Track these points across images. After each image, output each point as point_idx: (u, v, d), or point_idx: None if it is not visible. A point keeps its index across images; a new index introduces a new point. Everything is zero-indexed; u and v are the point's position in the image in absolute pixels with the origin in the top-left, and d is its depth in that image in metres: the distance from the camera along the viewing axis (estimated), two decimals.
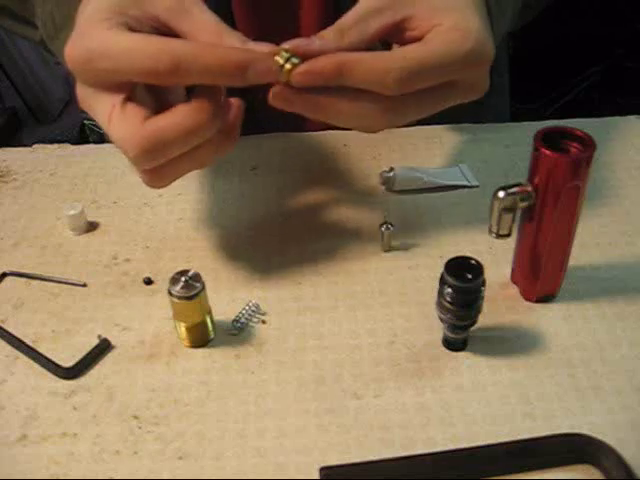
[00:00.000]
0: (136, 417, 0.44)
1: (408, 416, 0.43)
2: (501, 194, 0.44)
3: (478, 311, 0.45)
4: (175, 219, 0.59)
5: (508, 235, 0.45)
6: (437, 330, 0.47)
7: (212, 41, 0.41)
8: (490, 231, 0.45)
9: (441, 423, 0.42)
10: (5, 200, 0.62)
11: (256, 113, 0.44)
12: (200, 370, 0.46)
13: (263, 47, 0.41)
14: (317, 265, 0.54)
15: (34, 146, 0.68)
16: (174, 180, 0.45)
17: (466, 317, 0.44)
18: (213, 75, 0.40)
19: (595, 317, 0.48)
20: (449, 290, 0.43)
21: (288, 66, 0.41)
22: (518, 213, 0.46)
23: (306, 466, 0.40)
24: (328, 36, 0.42)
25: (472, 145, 0.65)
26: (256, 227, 0.57)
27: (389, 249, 0.54)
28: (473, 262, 0.43)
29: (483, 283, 0.43)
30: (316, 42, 0.41)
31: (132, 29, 0.41)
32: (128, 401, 0.45)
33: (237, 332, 0.49)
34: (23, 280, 0.54)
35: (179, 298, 0.45)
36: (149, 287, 0.52)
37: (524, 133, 0.59)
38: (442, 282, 0.44)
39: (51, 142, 0.69)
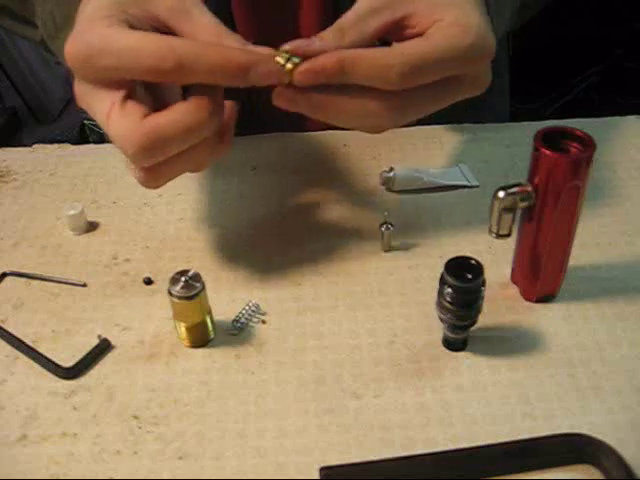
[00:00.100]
0: (136, 417, 0.44)
1: (408, 416, 0.43)
2: (501, 194, 0.44)
3: (478, 311, 0.45)
4: (175, 219, 0.59)
5: (508, 235, 0.45)
6: (437, 330, 0.47)
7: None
8: (490, 231, 0.45)
9: (441, 423, 0.42)
10: (5, 200, 0.62)
11: (260, 113, 0.44)
12: (200, 370, 0.46)
13: (263, 50, 0.41)
14: (317, 265, 0.54)
15: (34, 146, 0.68)
16: (169, 180, 0.45)
17: (466, 317, 0.44)
18: (216, 75, 0.40)
19: (595, 317, 0.48)
20: (449, 290, 0.43)
21: (289, 66, 0.41)
22: (518, 213, 0.46)
23: (306, 466, 0.40)
24: (328, 36, 0.42)
25: (472, 145, 0.65)
26: (256, 227, 0.57)
27: (389, 249, 0.54)
28: (473, 262, 0.43)
29: (483, 283, 0.43)
30: (316, 42, 0.41)
31: (133, 27, 0.41)
32: (128, 401, 0.45)
33: (237, 332, 0.49)
34: (23, 280, 0.54)
35: (179, 298, 0.45)
36: (149, 287, 0.52)
37: (524, 133, 0.59)
38: (442, 282, 0.44)
39: (51, 142, 0.69)
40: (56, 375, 0.46)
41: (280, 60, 0.41)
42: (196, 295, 0.45)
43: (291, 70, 0.41)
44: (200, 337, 0.48)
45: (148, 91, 0.44)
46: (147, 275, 0.53)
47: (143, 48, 0.39)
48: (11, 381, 0.46)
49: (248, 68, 0.39)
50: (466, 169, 0.62)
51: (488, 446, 0.40)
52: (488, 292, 0.45)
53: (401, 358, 0.46)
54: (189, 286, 0.45)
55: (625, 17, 1.65)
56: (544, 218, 0.45)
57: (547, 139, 0.44)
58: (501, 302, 0.50)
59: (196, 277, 0.45)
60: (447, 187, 0.60)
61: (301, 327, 0.49)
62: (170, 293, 0.45)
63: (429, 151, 0.64)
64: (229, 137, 0.45)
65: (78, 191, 0.62)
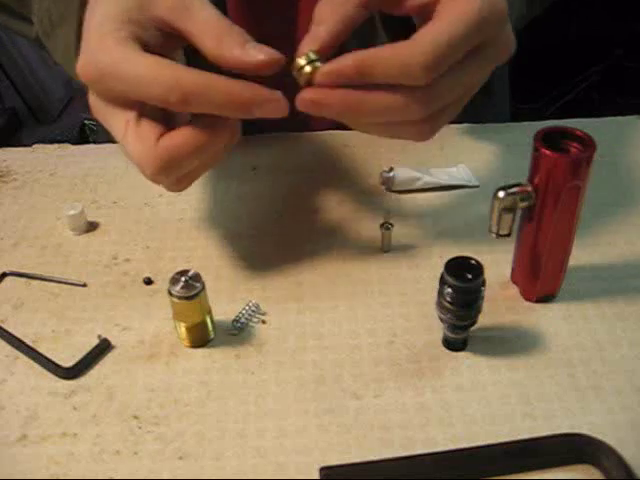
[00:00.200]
0: (136, 417, 0.44)
1: (408, 416, 0.43)
2: (501, 194, 0.44)
3: (478, 311, 0.45)
4: (175, 219, 0.59)
5: (508, 235, 0.45)
6: (437, 330, 0.47)
7: (213, 44, 0.41)
8: (490, 231, 0.45)
9: (441, 423, 0.42)
10: (5, 200, 0.62)
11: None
12: (200, 370, 0.46)
13: (261, 54, 0.41)
14: (317, 265, 0.54)
15: (34, 146, 0.68)
16: (192, 183, 0.46)
17: (466, 317, 0.44)
18: (220, 110, 0.41)
19: (595, 317, 0.48)
20: (449, 290, 0.43)
21: (308, 69, 0.40)
22: (518, 213, 0.46)
23: (306, 466, 0.40)
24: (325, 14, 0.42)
25: (472, 145, 0.65)
26: (256, 227, 0.57)
27: (389, 249, 0.54)
28: (473, 262, 0.43)
29: (483, 283, 0.43)
30: (321, 30, 0.41)
31: (140, 39, 0.42)
32: (128, 401, 0.45)
33: (237, 332, 0.49)
34: (23, 280, 0.54)
35: (179, 298, 0.45)
36: (149, 287, 0.52)
37: (524, 133, 0.59)
38: (442, 282, 0.44)
39: (51, 142, 0.69)
40: (56, 375, 0.46)
41: (301, 61, 0.41)
42: (196, 295, 0.45)
43: (309, 74, 0.40)
44: (200, 337, 0.48)
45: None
46: (147, 275, 0.53)
47: (151, 80, 0.40)
48: (11, 381, 0.46)
49: (252, 105, 0.40)
50: (466, 169, 0.62)
51: (488, 446, 0.40)
52: (488, 292, 0.45)
53: (401, 358, 0.46)
54: (189, 286, 0.45)
55: (625, 17, 1.65)
56: (544, 218, 0.45)
57: (547, 139, 0.44)
58: (501, 302, 0.50)
59: (196, 277, 0.45)
60: (447, 187, 0.60)
61: (301, 327, 0.49)
62: (170, 293, 0.45)
63: (429, 151, 0.64)
64: (236, 127, 0.45)
65: (78, 191, 0.62)
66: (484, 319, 0.46)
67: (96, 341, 0.48)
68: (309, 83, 0.41)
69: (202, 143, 0.42)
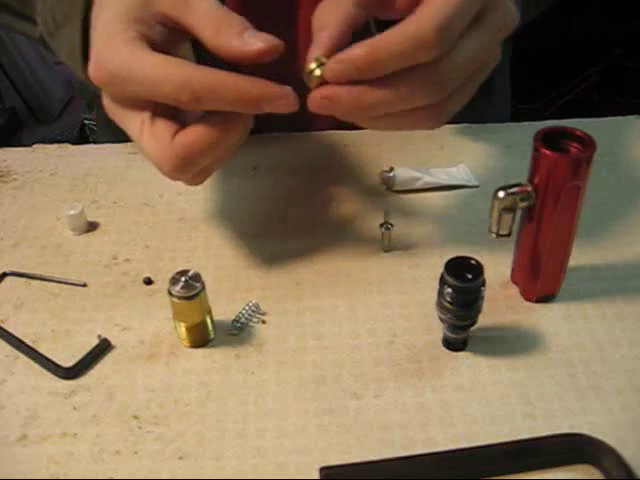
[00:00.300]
0: (136, 417, 0.44)
1: (408, 416, 0.43)
2: (501, 194, 0.44)
3: (478, 311, 0.45)
4: (175, 219, 0.59)
5: (508, 235, 0.45)
6: (437, 330, 0.47)
7: (212, 35, 0.41)
8: (490, 231, 0.45)
9: (441, 423, 0.42)
10: (5, 200, 0.62)
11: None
12: (200, 370, 0.46)
13: (259, 42, 0.41)
14: (317, 265, 0.54)
15: (34, 146, 0.68)
16: (209, 177, 0.47)
17: (466, 317, 0.44)
18: (231, 106, 0.41)
19: (595, 317, 0.48)
20: (449, 290, 0.43)
21: (318, 72, 0.40)
22: (518, 213, 0.46)
23: (306, 466, 0.40)
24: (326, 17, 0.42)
25: (472, 145, 0.65)
26: (256, 227, 0.57)
27: (389, 249, 0.54)
28: (473, 262, 0.43)
29: (483, 283, 0.43)
30: (323, 36, 0.41)
31: (147, 37, 0.42)
32: (128, 401, 0.45)
33: (237, 332, 0.49)
34: (23, 280, 0.54)
35: (179, 298, 0.45)
36: (149, 287, 0.52)
37: (524, 133, 0.59)
38: (442, 282, 0.44)
39: (51, 142, 0.69)
40: (56, 375, 0.46)
41: (310, 66, 0.41)
42: (196, 295, 0.45)
43: (319, 77, 0.40)
44: (200, 337, 0.48)
45: None
46: (147, 275, 0.53)
47: (161, 80, 0.40)
48: (11, 381, 0.46)
49: (261, 101, 0.41)
50: (466, 169, 0.62)
51: (488, 446, 0.40)
52: (488, 292, 0.45)
53: (401, 358, 0.46)
54: (189, 286, 0.45)
55: (625, 17, 1.65)
56: (544, 218, 0.45)
57: (547, 139, 0.44)
58: (501, 302, 0.50)
59: (196, 277, 0.45)
60: (447, 187, 0.60)
61: (301, 327, 0.49)
62: (170, 293, 0.45)
63: (429, 151, 0.64)
64: (249, 122, 0.45)
65: (78, 191, 0.62)
66: (484, 319, 0.46)
67: (96, 341, 0.48)
68: (320, 86, 0.41)
69: (215, 139, 0.42)
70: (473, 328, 0.46)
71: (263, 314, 0.50)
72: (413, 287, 0.51)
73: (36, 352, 0.47)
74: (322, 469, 0.39)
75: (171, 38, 0.44)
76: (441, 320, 0.45)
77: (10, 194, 0.63)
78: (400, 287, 0.51)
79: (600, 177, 0.60)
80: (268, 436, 0.42)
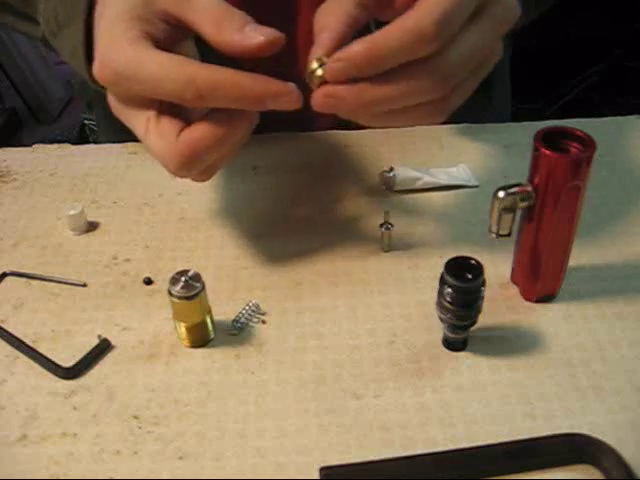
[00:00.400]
0: (136, 417, 0.44)
1: (408, 416, 0.43)
2: (501, 194, 0.44)
3: (478, 311, 0.45)
4: (175, 219, 0.59)
5: (508, 235, 0.45)
6: (437, 330, 0.47)
7: (213, 31, 0.41)
8: (490, 231, 0.45)
9: (441, 423, 0.42)
10: (5, 200, 0.62)
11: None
12: (200, 370, 0.46)
13: (260, 36, 0.41)
14: (317, 265, 0.54)
15: (34, 146, 0.68)
16: (216, 173, 0.47)
17: (466, 317, 0.44)
18: (235, 104, 0.41)
19: (595, 317, 0.48)
20: (449, 290, 0.43)
21: (320, 72, 0.40)
22: (518, 213, 0.46)
23: (306, 466, 0.40)
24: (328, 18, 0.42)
25: (472, 145, 0.65)
26: (256, 227, 0.57)
27: (389, 249, 0.54)
28: (473, 262, 0.43)
29: (483, 283, 0.43)
30: (324, 37, 0.41)
31: (150, 35, 0.42)
32: (128, 401, 0.45)
33: (237, 332, 0.49)
34: (23, 280, 0.54)
35: (179, 298, 0.45)
36: (149, 287, 0.52)
37: (524, 133, 0.59)
38: (442, 282, 0.44)
39: (51, 142, 0.69)
40: (56, 375, 0.46)
41: (312, 65, 0.41)
42: (196, 295, 0.45)
43: (322, 76, 0.40)
44: (200, 337, 0.48)
45: None
46: (147, 275, 0.53)
47: (165, 79, 0.41)
48: (11, 381, 0.46)
49: (264, 98, 0.41)
50: (466, 169, 0.62)
51: (488, 446, 0.40)
52: (488, 292, 0.45)
53: (401, 358, 0.46)
54: (189, 286, 0.45)
55: (625, 17, 1.65)
56: (544, 218, 0.45)
57: (547, 139, 0.44)
58: (501, 302, 0.50)
59: (196, 277, 0.45)
60: (447, 187, 0.60)
61: (301, 327, 0.49)
62: (170, 293, 0.45)
63: (429, 151, 0.64)
64: (254, 118, 0.45)
65: (78, 191, 0.62)
66: (484, 319, 0.46)
67: (96, 341, 0.48)
68: (322, 86, 0.41)
69: (220, 136, 0.42)
70: (473, 328, 0.46)
71: (263, 314, 0.50)
72: (413, 287, 0.51)
73: (36, 352, 0.47)
74: (322, 469, 0.39)
75: (174, 35, 0.44)
76: (441, 320, 0.45)
77: (10, 194, 0.63)
78: (400, 287, 0.51)
79: (600, 177, 0.60)
80: (268, 436, 0.42)
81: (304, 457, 0.41)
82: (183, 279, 0.45)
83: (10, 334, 0.49)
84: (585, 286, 0.51)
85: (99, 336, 0.48)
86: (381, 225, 0.54)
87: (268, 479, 0.40)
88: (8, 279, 0.54)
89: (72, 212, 0.57)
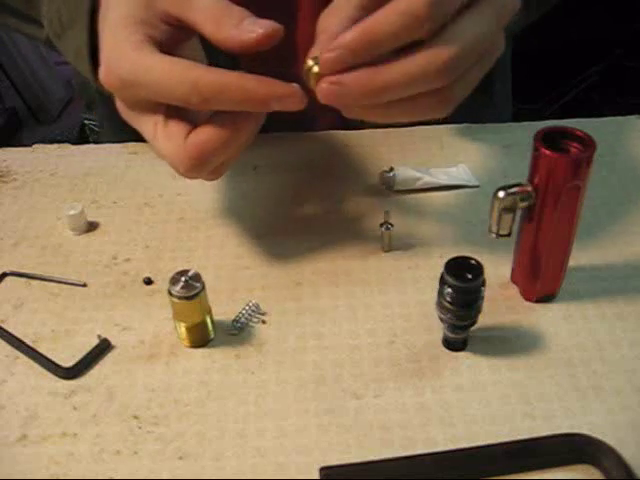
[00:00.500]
0: (136, 417, 0.44)
1: (408, 416, 0.43)
2: (501, 194, 0.44)
3: (478, 311, 0.45)
4: (175, 219, 0.59)
5: (508, 235, 0.45)
6: (437, 330, 0.47)
7: (213, 29, 0.41)
8: (490, 231, 0.45)
9: (441, 423, 0.42)
10: (5, 200, 0.62)
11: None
12: (200, 370, 0.46)
13: (258, 29, 0.40)
14: (317, 265, 0.54)
15: (34, 146, 0.68)
16: (225, 172, 0.48)
17: (466, 317, 0.44)
18: (240, 107, 0.42)
19: (595, 317, 0.48)
20: (449, 290, 0.43)
21: (316, 69, 0.40)
22: (518, 213, 0.46)
23: (306, 466, 0.40)
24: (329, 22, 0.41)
25: (472, 145, 0.65)
26: (256, 227, 0.57)
27: (389, 249, 0.54)
28: (473, 262, 0.43)
29: (483, 283, 0.43)
30: (323, 38, 0.41)
31: (153, 39, 0.42)
32: (128, 401, 0.45)
33: (237, 332, 0.49)
34: (23, 280, 0.54)
35: (179, 298, 0.45)
36: (149, 287, 0.52)
37: (524, 133, 0.60)
38: (442, 282, 0.44)
39: (51, 142, 0.69)
40: (56, 375, 0.46)
41: (309, 62, 0.41)
42: (196, 295, 0.45)
43: (317, 74, 0.40)
44: (200, 337, 0.48)
45: None
46: (147, 275, 0.53)
47: (170, 84, 0.41)
48: (11, 381, 0.46)
49: (269, 101, 0.41)
50: (466, 169, 0.62)
51: (488, 446, 0.40)
52: (488, 292, 0.45)
53: (401, 358, 0.46)
54: (189, 286, 0.45)
55: (625, 17, 1.65)
56: (544, 218, 0.45)
57: (547, 139, 0.44)
58: (501, 302, 0.50)
59: (196, 277, 0.45)
60: (447, 187, 0.60)
61: (301, 327, 0.49)
62: (170, 293, 0.45)
63: (429, 151, 0.64)
64: (260, 118, 0.46)
65: (78, 191, 0.62)
66: (484, 319, 0.46)
67: (96, 341, 0.48)
68: (314, 83, 0.41)
69: (226, 138, 0.43)
70: (473, 328, 0.46)
71: (263, 314, 0.50)
72: (413, 287, 0.51)
73: (36, 352, 0.47)
74: (322, 469, 0.39)
75: (177, 36, 0.44)
76: (441, 320, 0.45)
77: (10, 194, 0.63)
78: (400, 287, 0.51)
79: (600, 177, 0.60)
80: (268, 436, 0.42)
81: (304, 457, 0.41)
82: (183, 279, 0.45)
83: (10, 334, 0.49)
84: (585, 286, 0.51)
85: (99, 336, 0.48)
86: (381, 225, 0.54)
87: (268, 479, 0.40)
88: (8, 279, 0.54)
89: (72, 212, 0.57)
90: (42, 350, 0.48)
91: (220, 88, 0.41)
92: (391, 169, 0.59)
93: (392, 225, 0.53)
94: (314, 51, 0.41)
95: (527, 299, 0.50)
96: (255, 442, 0.42)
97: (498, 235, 0.45)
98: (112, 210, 0.60)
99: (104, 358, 0.47)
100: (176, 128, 0.43)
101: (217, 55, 0.44)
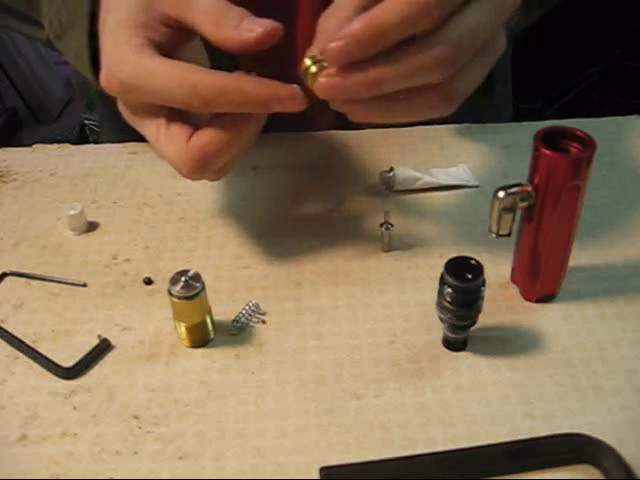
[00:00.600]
0: (136, 417, 0.44)
1: (408, 416, 0.43)
2: (501, 194, 0.44)
3: (478, 311, 0.45)
4: (175, 219, 0.59)
5: (508, 235, 0.45)
6: (437, 330, 0.47)
7: (212, 30, 0.41)
8: (490, 231, 0.45)
9: (441, 423, 0.42)
10: (5, 200, 0.62)
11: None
12: (200, 370, 0.46)
13: (257, 28, 0.40)
14: (317, 265, 0.54)
15: (34, 146, 0.68)
16: (229, 172, 0.48)
17: (466, 317, 0.44)
18: (241, 109, 0.42)
19: (595, 317, 0.48)
20: (449, 290, 0.43)
21: (314, 69, 0.40)
22: (518, 213, 0.46)
23: (306, 466, 0.40)
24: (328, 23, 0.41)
25: (472, 145, 0.65)
26: (256, 227, 0.57)
27: (389, 249, 0.54)
28: (473, 262, 0.43)
29: (483, 283, 0.43)
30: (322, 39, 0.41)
31: (153, 42, 0.43)
32: (128, 401, 0.45)
33: (237, 332, 0.49)
34: (23, 280, 0.54)
35: (179, 298, 0.45)
36: (149, 287, 0.52)
37: (524, 133, 0.59)
38: (442, 282, 0.44)
39: (51, 142, 0.69)
40: (56, 375, 0.46)
41: (307, 62, 0.41)
42: (196, 295, 0.45)
43: (315, 74, 0.40)
44: (200, 337, 0.48)
45: None
46: (147, 275, 0.53)
47: (170, 87, 0.41)
48: (11, 381, 0.46)
49: (269, 102, 0.41)
50: (466, 169, 0.62)
51: (488, 446, 0.40)
52: (488, 292, 0.45)
53: (401, 358, 0.46)
54: (189, 286, 0.45)
55: (625, 17, 1.65)
56: (544, 218, 0.45)
57: (547, 139, 0.44)
58: (501, 302, 0.50)
59: (196, 277, 0.45)
60: (447, 187, 0.60)
61: (301, 327, 0.49)
62: (170, 293, 0.45)
63: (429, 151, 0.64)
64: (261, 119, 0.46)
65: (78, 191, 0.62)
66: (484, 319, 0.46)
67: (96, 341, 0.48)
68: (312, 84, 0.41)
69: (228, 140, 0.43)
70: (473, 328, 0.46)
71: (263, 314, 0.50)
72: (413, 287, 0.51)
73: (36, 352, 0.47)
74: (322, 469, 0.39)
75: (177, 38, 0.44)
76: (441, 320, 0.45)
77: (10, 194, 0.63)
78: (400, 287, 0.51)
79: (600, 177, 0.60)
80: (268, 436, 0.42)
81: (304, 457, 0.41)
82: (183, 279, 0.45)
83: (10, 334, 0.49)
84: (585, 286, 0.51)
85: (99, 336, 0.48)
86: (381, 225, 0.54)
87: (268, 479, 0.40)
88: (8, 279, 0.54)
89: (72, 212, 0.57)
90: (42, 350, 0.48)
91: (220, 91, 0.41)
92: (391, 169, 0.59)
93: (392, 225, 0.53)
94: (312, 50, 0.41)
95: (527, 299, 0.50)
96: (255, 442, 0.42)
97: (498, 235, 0.45)
98: (112, 210, 0.60)
99: (104, 358, 0.47)
100: (178, 131, 0.43)
101: (218, 56, 0.44)
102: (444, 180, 0.60)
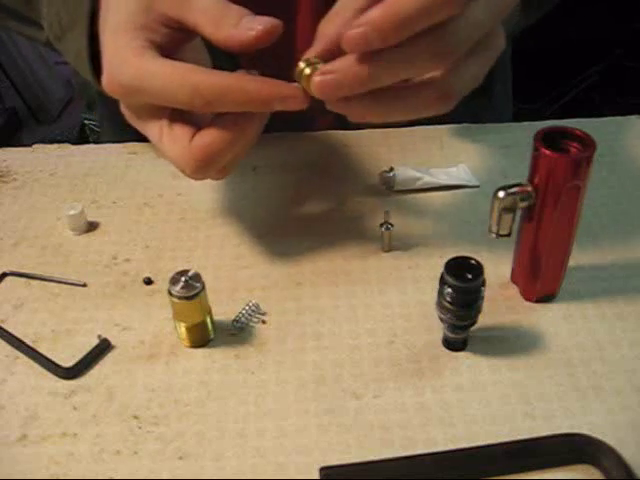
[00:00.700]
0: (136, 417, 0.44)
1: (408, 416, 0.43)
2: (501, 194, 0.44)
3: (478, 311, 0.45)
4: (175, 219, 0.59)
5: (508, 235, 0.45)
6: (437, 330, 0.47)
7: (212, 30, 0.41)
8: (490, 231, 0.45)
9: (441, 423, 0.42)
10: (5, 200, 0.62)
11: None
12: (200, 370, 0.46)
13: (257, 26, 0.40)
14: (317, 265, 0.54)
15: (34, 146, 0.68)
16: (232, 171, 0.48)
17: (466, 317, 0.44)
18: (243, 108, 0.42)
19: (595, 317, 0.48)
20: (449, 290, 0.43)
21: (308, 71, 0.40)
22: (518, 213, 0.46)
23: (306, 466, 0.40)
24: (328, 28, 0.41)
25: (472, 145, 0.65)
26: (256, 227, 0.57)
27: (389, 249, 0.54)
28: (473, 262, 0.43)
29: (483, 283, 0.43)
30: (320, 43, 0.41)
31: (154, 43, 0.43)
32: (128, 401, 0.45)
33: (237, 332, 0.49)
34: (23, 280, 0.54)
35: (179, 298, 0.45)
36: (149, 287, 0.52)
37: (524, 133, 0.59)
38: (442, 282, 0.44)
39: (51, 142, 0.69)
40: (56, 375, 0.46)
41: (301, 65, 0.41)
42: (196, 295, 0.45)
43: (309, 76, 0.40)
44: (200, 337, 0.48)
45: None
46: (147, 275, 0.53)
47: (171, 88, 0.41)
48: (11, 381, 0.46)
49: (271, 101, 0.41)
50: (466, 169, 0.62)
51: (488, 446, 0.40)
52: (488, 292, 0.45)
53: (401, 358, 0.46)
54: (189, 286, 0.45)
55: (625, 17, 1.65)
56: (544, 218, 0.45)
57: (547, 139, 0.44)
58: (501, 302, 0.50)
59: (196, 277, 0.45)
60: (447, 187, 0.60)
61: (301, 327, 0.49)
62: (170, 293, 0.45)
63: (429, 151, 0.64)
64: (263, 117, 0.46)
65: (78, 191, 0.62)
66: (484, 319, 0.46)
67: (96, 341, 0.48)
68: (307, 86, 0.41)
69: (230, 139, 0.43)
70: (473, 328, 0.46)
71: (263, 314, 0.50)
72: (413, 287, 0.51)
73: (36, 352, 0.47)
74: (322, 469, 0.39)
75: (177, 39, 0.44)
76: (441, 320, 0.45)
77: (10, 194, 0.63)
78: (400, 287, 0.51)
79: (600, 177, 0.60)
80: (268, 436, 0.42)
81: (304, 457, 0.41)
82: (183, 279, 0.45)
83: (10, 334, 0.49)
84: (585, 286, 0.51)
85: (99, 336, 0.48)
86: (381, 225, 0.54)
87: (268, 479, 0.40)
88: (8, 279, 0.54)
89: (72, 212, 0.57)
90: (42, 350, 0.48)
91: (221, 91, 0.41)
92: (391, 169, 0.59)
93: (392, 225, 0.53)
94: (307, 54, 0.41)
95: (527, 299, 0.50)
96: (255, 442, 0.42)
97: (498, 235, 0.45)
98: (112, 210, 0.60)
99: (104, 358, 0.47)
100: (181, 131, 0.44)
101: (219, 56, 0.44)
102: (444, 180, 0.60)
